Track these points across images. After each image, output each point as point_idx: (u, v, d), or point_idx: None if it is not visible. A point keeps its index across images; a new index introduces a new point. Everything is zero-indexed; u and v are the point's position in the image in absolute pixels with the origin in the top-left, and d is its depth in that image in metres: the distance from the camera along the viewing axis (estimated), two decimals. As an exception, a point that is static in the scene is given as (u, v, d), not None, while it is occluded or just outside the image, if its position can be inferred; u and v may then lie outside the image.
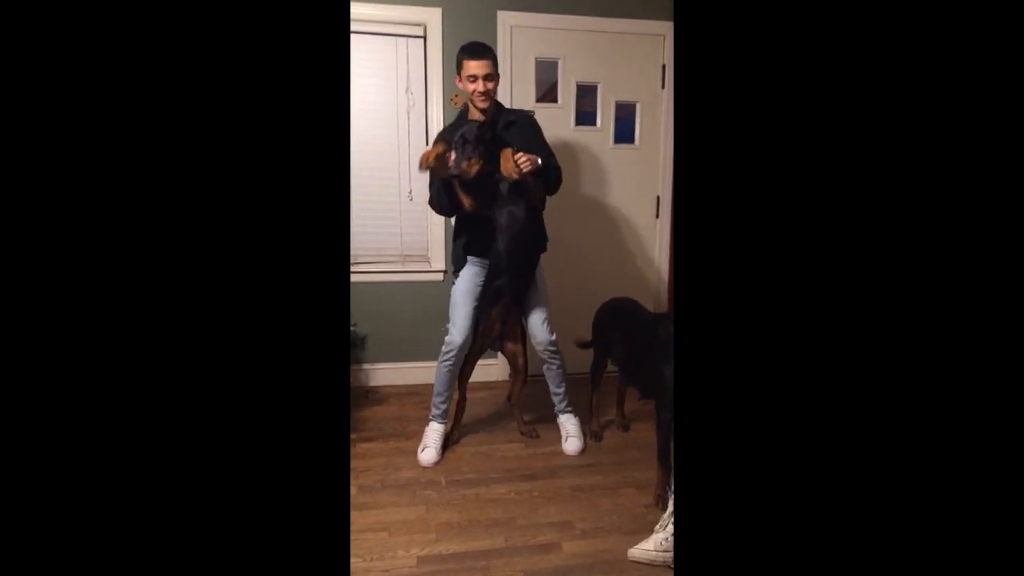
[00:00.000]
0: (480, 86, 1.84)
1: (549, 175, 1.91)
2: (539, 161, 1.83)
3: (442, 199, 1.91)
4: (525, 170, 1.76)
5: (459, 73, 1.89)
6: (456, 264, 2.06)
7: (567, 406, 2.14)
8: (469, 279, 2.02)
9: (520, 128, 1.94)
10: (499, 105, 1.97)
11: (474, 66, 1.83)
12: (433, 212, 2.56)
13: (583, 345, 2.24)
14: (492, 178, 1.80)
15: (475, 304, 2.01)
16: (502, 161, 1.77)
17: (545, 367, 2.09)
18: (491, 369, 2.74)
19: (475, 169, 1.75)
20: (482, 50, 1.86)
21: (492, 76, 1.86)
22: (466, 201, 1.87)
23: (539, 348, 2.04)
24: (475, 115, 1.93)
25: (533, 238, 1.93)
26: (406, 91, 2.53)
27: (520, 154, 1.77)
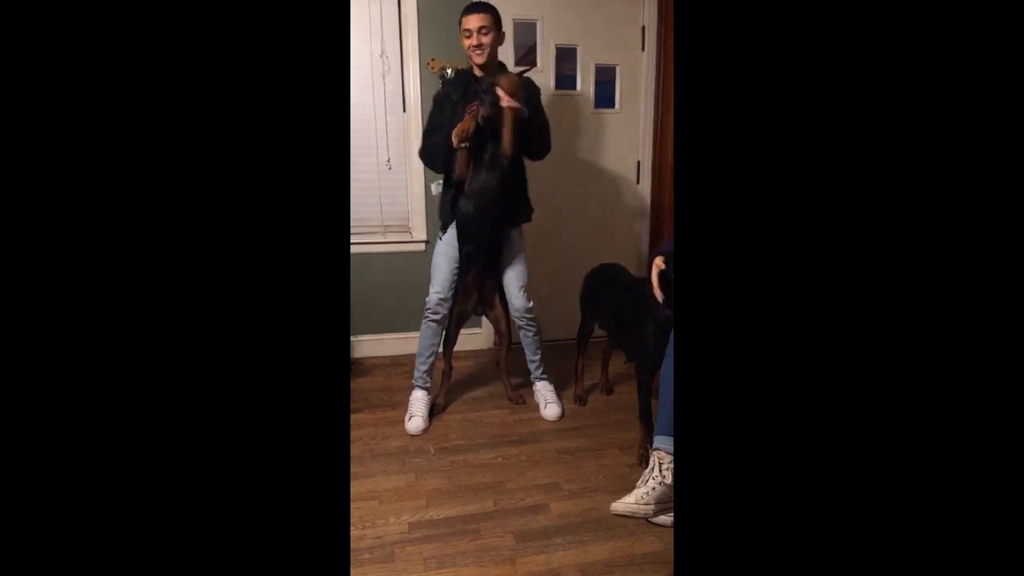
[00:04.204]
0: (474, 40, 1.84)
1: (531, 132, 1.85)
2: (524, 110, 1.79)
3: (438, 157, 1.92)
4: (507, 104, 1.74)
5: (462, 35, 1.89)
6: (444, 223, 2.06)
7: (542, 373, 2.19)
8: (449, 241, 2.02)
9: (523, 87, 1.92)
10: (501, 64, 1.92)
11: (466, 21, 1.84)
12: (412, 181, 2.54)
13: None
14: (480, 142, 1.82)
15: (455, 265, 2.02)
16: (502, 81, 1.76)
17: (521, 334, 2.12)
18: (475, 337, 2.76)
19: (478, 119, 1.77)
20: (477, 5, 1.86)
21: (487, 29, 1.85)
22: (460, 168, 1.87)
23: (515, 315, 2.07)
24: (477, 70, 1.93)
25: (501, 208, 1.90)
26: (380, 55, 2.45)
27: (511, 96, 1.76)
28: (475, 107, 1.82)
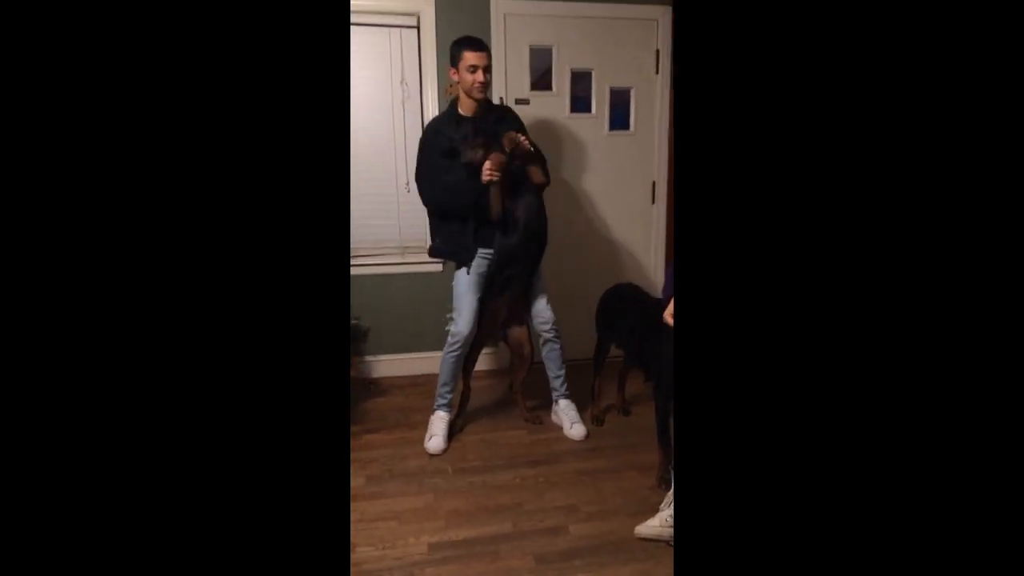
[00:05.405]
0: (480, 76, 1.90)
1: (544, 164, 2.00)
2: (532, 148, 1.95)
3: (467, 193, 1.92)
4: (525, 147, 1.91)
5: (455, 65, 1.93)
6: (461, 255, 2.05)
7: (566, 390, 2.19)
8: (473, 269, 2.04)
9: (511, 123, 2.03)
10: (487, 99, 2.02)
11: (474, 57, 1.89)
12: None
13: None
14: (509, 170, 1.92)
15: (479, 294, 2.05)
16: (505, 141, 1.89)
17: (546, 349, 2.13)
18: (492, 357, 2.77)
19: (480, 155, 1.88)
20: (481, 43, 1.93)
21: (489, 68, 1.92)
22: (496, 207, 1.91)
23: (543, 328, 2.09)
24: (466, 105, 1.97)
25: (545, 229, 2.01)
26: (401, 82, 2.52)
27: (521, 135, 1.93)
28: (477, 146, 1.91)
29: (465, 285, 2.04)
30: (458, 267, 2.07)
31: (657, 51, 2.71)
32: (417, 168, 2.04)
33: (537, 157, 1.97)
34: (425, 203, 2.05)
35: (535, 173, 1.95)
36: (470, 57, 1.89)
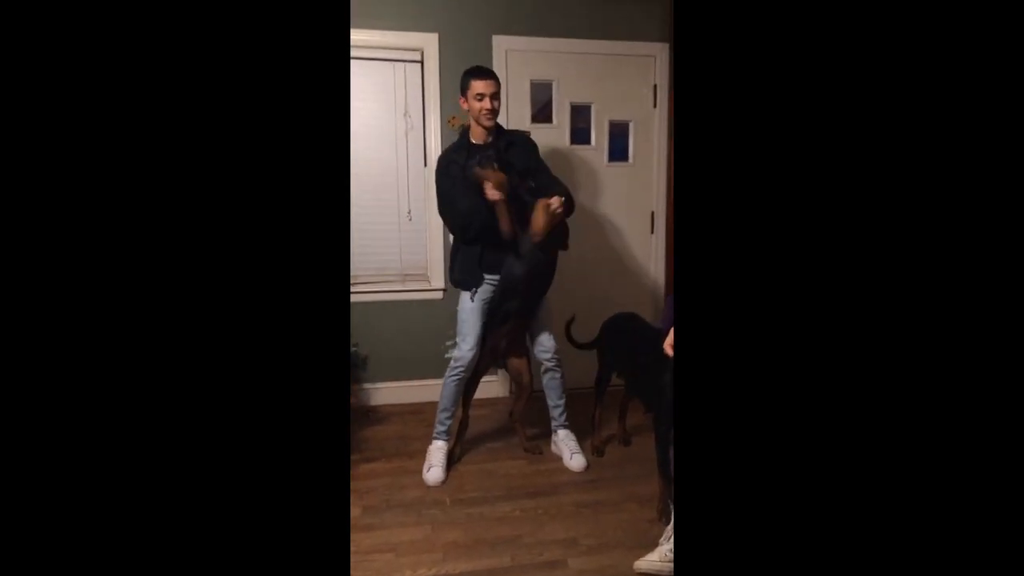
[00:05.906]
0: (487, 104, 1.93)
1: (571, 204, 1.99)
2: (562, 199, 1.92)
3: (477, 222, 1.93)
4: (558, 212, 1.89)
5: (464, 94, 1.97)
6: (468, 280, 2.04)
7: (566, 420, 2.17)
8: (479, 295, 2.04)
9: (521, 148, 2.03)
10: (499, 126, 2.04)
11: (481, 85, 1.92)
12: (431, 232, 2.62)
13: (577, 345, 2.26)
14: (522, 201, 1.91)
15: (484, 320, 2.05)
16: (536, 215, 1.87)
17: (547, 378, 2.12)
18: (491, 386, 2.76)
19: (485, 174, 1.87)
20: (488, 72, 1.97)
21: (496, 95, 1.95)
22: (506, 226, 1.90)
23: (544, 356, 2.09)
24: (477, 133, 2.00)
25: (553, 263, 2.01)
26: (404, 114, 2.58)
27: (552, 200, 1.88)
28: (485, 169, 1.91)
29: (468, 310, 2.04)
30: (472, 293, 2.05)
31: (655, 86, 2.78)
32: (437, 197, 2.06)
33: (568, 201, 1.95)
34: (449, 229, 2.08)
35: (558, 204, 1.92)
36: (477, 85, 1.92)
